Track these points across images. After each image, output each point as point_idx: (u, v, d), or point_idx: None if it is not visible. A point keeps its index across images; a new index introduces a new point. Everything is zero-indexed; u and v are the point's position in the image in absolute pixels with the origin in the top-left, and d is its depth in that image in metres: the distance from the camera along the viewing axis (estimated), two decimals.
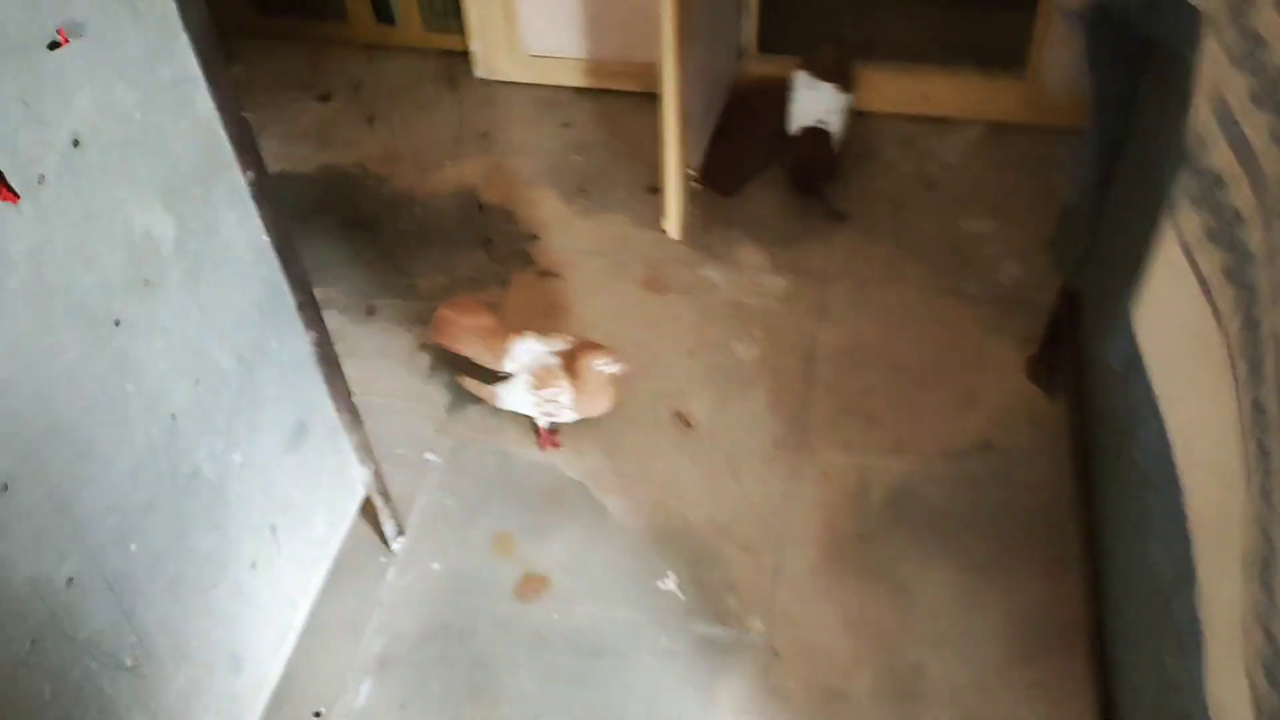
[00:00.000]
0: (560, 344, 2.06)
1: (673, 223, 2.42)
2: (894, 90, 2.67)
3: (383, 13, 2.97)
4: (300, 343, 1.58)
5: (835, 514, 2.01)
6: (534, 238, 2.53)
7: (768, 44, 2.73)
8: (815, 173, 2.57)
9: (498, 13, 2.75)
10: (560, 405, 2.04)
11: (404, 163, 2.73)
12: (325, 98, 2.92)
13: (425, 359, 2.31)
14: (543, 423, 2.12)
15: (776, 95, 2.67)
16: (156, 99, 1.21)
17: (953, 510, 1.99)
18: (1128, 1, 1.43)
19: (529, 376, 2.04)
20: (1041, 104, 2.58)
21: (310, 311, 1.58)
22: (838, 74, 2.56)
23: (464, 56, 2.90)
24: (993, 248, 2.42)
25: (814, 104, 2.55)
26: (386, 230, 2.58)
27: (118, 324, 1.21)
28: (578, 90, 2.87)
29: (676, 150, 2.27)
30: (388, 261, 2.51)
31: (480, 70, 2.89)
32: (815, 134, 2.56)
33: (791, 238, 2.48)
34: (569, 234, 2.54)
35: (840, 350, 2.27)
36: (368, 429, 1.92)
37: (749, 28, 2.67)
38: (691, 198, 2.45)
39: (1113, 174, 1.84)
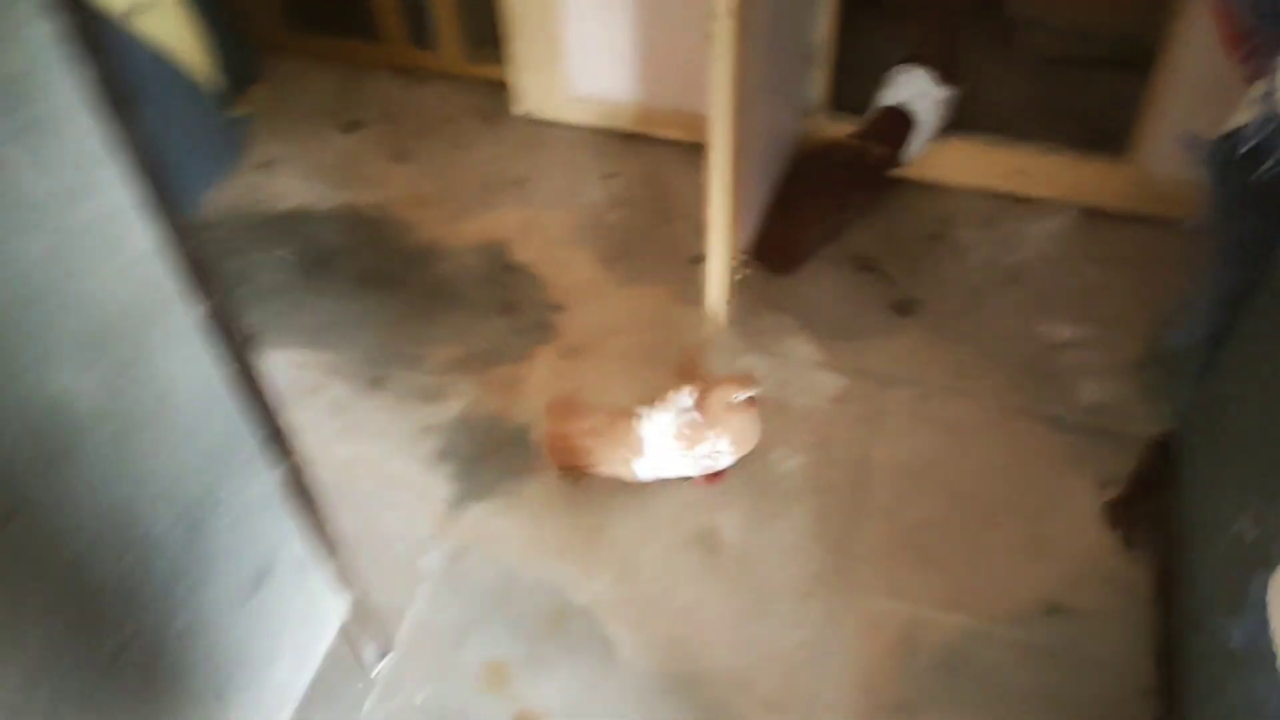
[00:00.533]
0: (685, 399, 1.91)
1: (714, 313, 2.16)
2: (978, 163, 2.38)
3: (421, 36, 2.73)
4: (263, 482, 1.36)
5: (875, 674, 1.76)
6: (562, 308, 2.29)
7: (841, 102, 2.45)
8: (883, 156, 2.35)
9: (544, 47, 2.50)
10: (722, 453, 1.90)
11: (431, 208, 2.50)
12: (353, 127, 2.69)
13: (430, 443, 2.09)
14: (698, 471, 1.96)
15: (847, 160, 2.40)
16: (73, 244, 0.98)
17: (1011, 685, 1.73)
18: None
19: (675, 441, 1.88)
20: (1145, 191, 2.28)
21: (278, 444, 1.36)
22: (939, 63, 2.36)
23: (505, 89, 2.66)
24: (1077, 360, 2.13)
25: (904, 85, 2.35)
26: (404, 287, 2.35)
27: (16, 510, 1.00)
28: (625, 136, 2.61)
29: (724, 234, 2.01)
30: (401, 325, 2.28)
31: (521, 106, 2.65)
32: (896, 114, 2.33)
33: (849, 329, 2.21)
34: (601, 306, 2.30)
35: (896, 470, 2.00)
36: (359, 523, 1.71)
37: (820, 84, 2.39)
38: (738, 286, 2.19)
39: (1231, 328, 1.56)
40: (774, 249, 2.31)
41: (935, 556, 1.89)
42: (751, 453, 2.02)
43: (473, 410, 2.14)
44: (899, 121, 2.34)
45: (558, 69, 2.53)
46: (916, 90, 2.36)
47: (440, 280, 2.37)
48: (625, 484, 2.00)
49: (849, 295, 2.27)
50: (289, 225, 2.48)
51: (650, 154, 2.58)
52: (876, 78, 2.46)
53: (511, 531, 1.96)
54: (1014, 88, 2.62)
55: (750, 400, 1.91)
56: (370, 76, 2.80)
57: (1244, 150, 1.25)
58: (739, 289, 2.21)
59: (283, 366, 2.21)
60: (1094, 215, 2.35)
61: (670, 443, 1.89)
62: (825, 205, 2.36)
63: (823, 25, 2.30)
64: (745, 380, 1.91)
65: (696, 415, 1.90)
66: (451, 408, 2.14)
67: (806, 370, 2.16)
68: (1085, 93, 2.57)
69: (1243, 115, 1.36)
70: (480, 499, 2.01)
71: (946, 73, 2.39)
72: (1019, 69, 2.66)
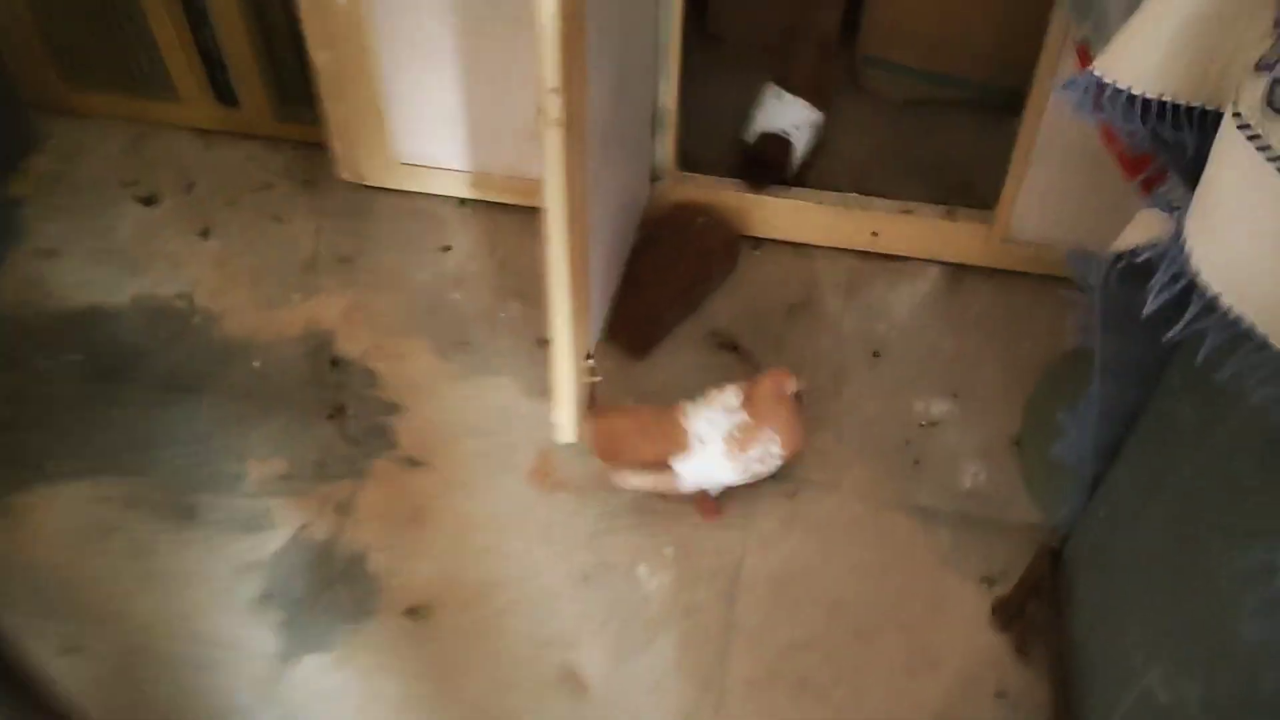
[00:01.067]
0: (732, 397, 1.82)
1: (564, 421, 1.96)
2: (836, 224, 2.24)
3: (223, 92, 2.43)
4: None
5: None
6: (398, 408, 2.06)
7: (689, 161, 2.28)
8: (769, 172, 2.26)
9: (364, 113, 2.24)
10: (773, 456, 1.82)
11: (242, 294, 2.23)
12: (150, 200, 2.38)
13: (251, 585, 1.84)
14: (715, 489, 1.89)
15: (697, 225, 2.23)
16: None
17: None
18: (1201, 326, 1.00)
19: (724, 445, 1.78)
20: (1013, 249, 2.18)
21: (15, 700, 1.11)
22: (813, 89, 2.28)
23: (323, 151, 2.39)
24: (950, 439, 2.02)
25: (779, 114, 2.26)
26: (215, 392, 2.08)
27: None
28: (460, 202, 2.38)
29: (569, 331, 1.81)
30: (213, 439, 2.01)
31: (342, 172, 2.38)
32: (776, 140, 2.25)
33: None
34: (443, 404, 2.07)
35: (768, 581, 1.85)
36: (166, 696, 1.48)
37: (666, 145, 2.21)
38: (590, 390, 2.00)
39: (1120, 443, 1.45)
40: (629, 330, 2.12)
41: (813, 682, 1.75)
42: (618, 569, 1.86)
43: (300, 539, 1.90)
44: (778, 144, 2.26)
45: (379, 131, 2.28)
46: (791, 119, 2.28)
47: (258, 381, 2.10)
48: (474, 619, 1.80)
49: (709, 380, 2.09)
50: (77, 324, 2.17)
51: (487, 221, 2.35)
52: (723, 132, 2.30)
53: (349, 688, 1.74)
54: (870, 135, 2.48)
55: (797, 396, 1.83)
56: (167, 138, 2.48)
57: (1147, 288, 1.11)
58: (590, 399, 2.02)
59: (73, 503, 1.92)
60: (960, 274, 2.24)
61: (720, 445, 1.79)
62: (680, 277, 2.18)
63: (665, 87, 2.11)
64: (786, 374, 1.83)
65: (745, 416, 1.80)
66: (275, 538, 1.90)
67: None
68: (946, 140, 2.45)
69: (1135, 235, 1.23)
70: (311, 650, 1.77)
71: (816, 97, 2.30)
72: (875, 114, 2.53)
